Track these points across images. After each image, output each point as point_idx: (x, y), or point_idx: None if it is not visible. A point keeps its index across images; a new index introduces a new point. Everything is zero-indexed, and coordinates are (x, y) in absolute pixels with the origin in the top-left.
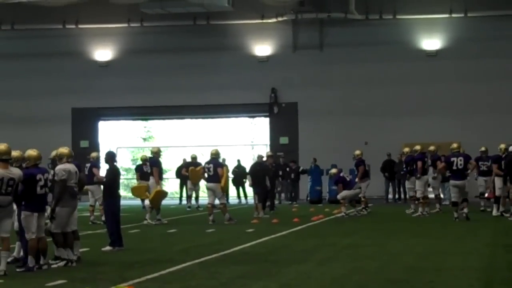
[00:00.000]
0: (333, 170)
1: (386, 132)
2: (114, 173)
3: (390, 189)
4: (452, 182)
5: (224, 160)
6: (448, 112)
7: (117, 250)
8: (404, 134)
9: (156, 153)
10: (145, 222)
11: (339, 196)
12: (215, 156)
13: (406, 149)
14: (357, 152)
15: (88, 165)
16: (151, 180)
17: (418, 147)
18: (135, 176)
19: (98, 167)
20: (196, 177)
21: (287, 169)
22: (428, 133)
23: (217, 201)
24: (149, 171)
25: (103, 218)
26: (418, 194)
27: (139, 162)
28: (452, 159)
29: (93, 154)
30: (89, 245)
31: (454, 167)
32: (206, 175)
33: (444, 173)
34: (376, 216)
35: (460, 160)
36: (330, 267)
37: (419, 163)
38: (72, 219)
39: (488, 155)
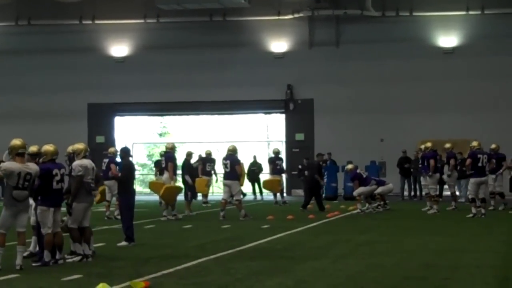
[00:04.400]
0: (349, 166)
1: (402, 129)
2: (129, 168)
3: (406, 186)
4: (477, 179)
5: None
6: (464, 109)
7: (131, 245)
8: (420, 131)
9: (171, 149)
10: (162, 218)
11: (355, 193)
12: (232, 152)
13: (422, 146)
14: (350, 166)
15: (106, 160)
16: (165, 175)
17: (429, 144)
18: (151, 172)
19: (115, 163)
20: (202, 188)
21: (300, 166)
22: (444, 130)
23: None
24: (163, 166)
25: (116, 213)
26: (432, 192)
27: (157, 157)
28: (479, 155)
29: (111, 149)
30: (104, 240)
31: (480, 164)
32: (223, 171)
33: (468, 170)
34: (391, 213)
35: (485, 157)
36: (346, 264)
37: (432, 161)
38: (86, 215)
39: (497, 153)
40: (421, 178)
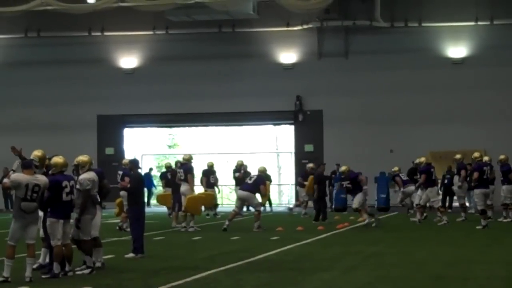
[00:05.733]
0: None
1: (411, 140)
2: (138, 180)
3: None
4: (482, 190)
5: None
6: (474, 120)
7: (140, 257)
8: (430, 142)
9: (188, 160)
10: (182, 229)
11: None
12: (261, 173)
13: (417, 160)
14: (343, 168)
15: (120, 172)
16: (184, 186)
17: (423, 159)
18: (159, 183)
19: (129, 175)
20: (210, 202)
21: None
22: (454, 141)
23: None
24: (182, 177)
25: (125, 225)
26: (436, 204)
27: (163, 169)
28: (484, 168)
29: (125, 161)
30: (114, 252)
31: (485, 176)
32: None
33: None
34: (400, 224)
35: (488, 169)
36: (355, 275)
37: (423, 176)
38: (94, 226)
39: (505, 164)
40: (419, 191)
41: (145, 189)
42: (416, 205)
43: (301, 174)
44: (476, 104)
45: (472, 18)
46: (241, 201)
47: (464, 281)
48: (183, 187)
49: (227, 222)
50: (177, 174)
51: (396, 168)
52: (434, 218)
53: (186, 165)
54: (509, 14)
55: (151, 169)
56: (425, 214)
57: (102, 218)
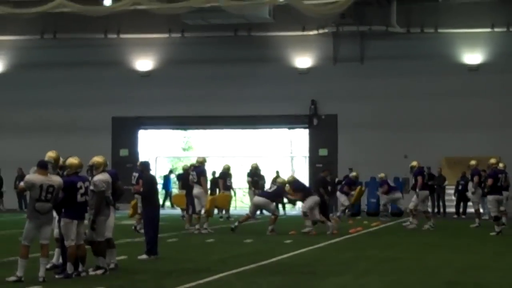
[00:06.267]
0: (382, 174)
1: (426, 145)
2: (150, 182)
3: (429, 203)
4: (495, 196)
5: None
6: (489, 127)
7: (153, 259)
8: (444, 148)
9: (202, 163)
10: (196, 232)
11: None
12: (282, 184)
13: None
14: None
15: (135, 174)
16: (197, 189)
17: (414, 163)
18: (174, 185)
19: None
20: (225, 204)
21: None
22: (469, 147)
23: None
24: (195, 180)
25: (138, 227)
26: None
27: (180, 171)
28: (499, 175)
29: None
30: (127, 253)
31: (499, 183)
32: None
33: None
34: (414, 230)
35: (504, 176)
36: (368, 280)
37: (419, 178)
38: (108, 227)
39: None
40: (415, 196)
41: (163, 191)
42: (410, 210)
43: (347, 181)
44: (491, 110)
45: (488, 25)
46: (255, 207)
47: (477, 287)
48: (196, 190)
49: (236, 223)
50: (189, 176)
51: (382, 175)
52: (446, 224)
53: (199, 168)
54: None
55: (171, 171)
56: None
57: (115, 220)
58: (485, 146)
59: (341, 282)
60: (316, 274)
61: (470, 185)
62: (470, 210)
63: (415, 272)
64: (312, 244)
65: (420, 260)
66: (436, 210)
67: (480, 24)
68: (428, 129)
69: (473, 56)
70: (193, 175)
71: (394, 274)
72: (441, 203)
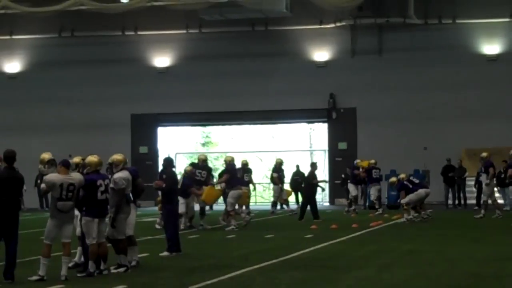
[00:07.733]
0: (393, 179)
1: (445, 137)
2: (172, 179)
3: (450, 195)
4: None
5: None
6: (509, 117)
7: (174, 256)
8: (464, 139)
9: (204, 161)
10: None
11: (403, 201)
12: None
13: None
14: (393, 179)
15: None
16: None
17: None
18: None
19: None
20: (244, 200)
21: (343, 175)
22: (488, 138)
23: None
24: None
25: (157, 225)
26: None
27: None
28: None
29: None
30: (148, 250)
31: None
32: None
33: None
34: (435, 222)
35: None
36: (390, 273)
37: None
38: (129, 224)
39: None
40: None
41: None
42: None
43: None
44: (511, 100)
45: (507, 15)
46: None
47: (499, 279)
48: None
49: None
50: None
51: (393, 179)
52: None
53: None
54: None
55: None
56: (430, 210)
57: (136, 217)
58: (505, 137)
59: (364, 275)
60: (338, 268)
61: (483, 176)
62: (490, 201)
63: (437, 264)
64: (333, 238)
65: (442, 252)
66: (457, 202)
67: (498, 14)
68: (448, 121)
69: (491, 47)
70: (202, 172)
71: (416, 267)
72: (461, 195)
